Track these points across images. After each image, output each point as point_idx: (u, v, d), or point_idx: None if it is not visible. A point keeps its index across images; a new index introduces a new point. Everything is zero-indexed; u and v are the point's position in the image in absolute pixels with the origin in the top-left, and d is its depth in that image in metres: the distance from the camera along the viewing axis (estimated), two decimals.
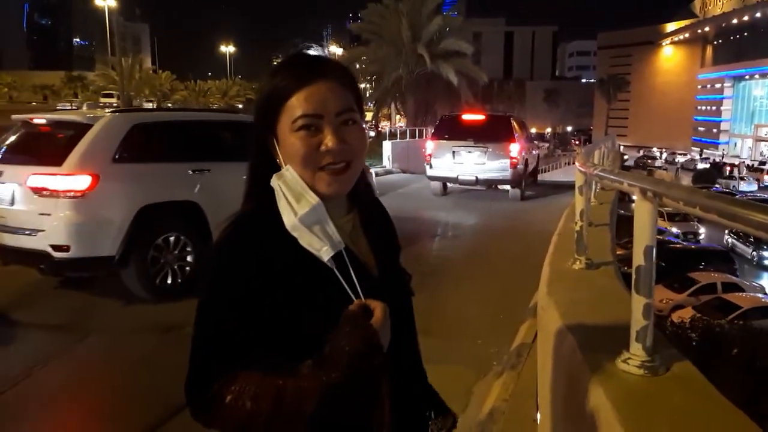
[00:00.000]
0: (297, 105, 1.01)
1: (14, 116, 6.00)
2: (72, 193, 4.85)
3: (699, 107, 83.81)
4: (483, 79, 34.38)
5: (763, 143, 70.79)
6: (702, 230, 28.31)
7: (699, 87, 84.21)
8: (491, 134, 13.19)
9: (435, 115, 35.37)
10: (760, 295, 17.34)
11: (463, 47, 31.58)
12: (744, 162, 61.29)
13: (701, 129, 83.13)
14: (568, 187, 18.35)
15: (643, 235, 1.60)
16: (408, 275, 1.24)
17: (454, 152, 13.19)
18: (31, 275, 6.00)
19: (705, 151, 77.30)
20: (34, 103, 52.41)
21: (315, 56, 1.11)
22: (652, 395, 1.48)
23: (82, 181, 4.87)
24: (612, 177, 1.95)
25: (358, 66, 33.00)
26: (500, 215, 11.68)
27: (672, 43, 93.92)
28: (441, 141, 13.50)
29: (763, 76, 70.40)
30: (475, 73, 33.23)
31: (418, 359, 1.22)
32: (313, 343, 0.92)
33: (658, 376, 1.58)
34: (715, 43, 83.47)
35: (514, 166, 12.88)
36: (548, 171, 32.07)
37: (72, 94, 66.71)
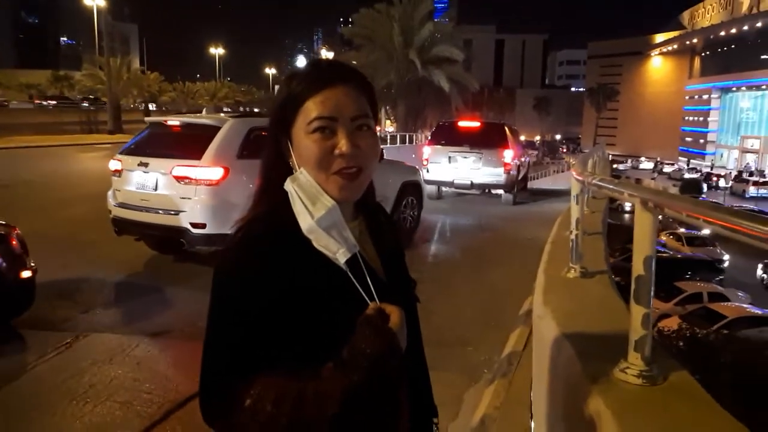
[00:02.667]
0: (313, 107, 1.01)
1: (147, 118, 7.30)
2: (209, 182, 5.92)
3: (686, 118, 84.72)
4: (474, 86, 34.60)
5: (749, 154, 71.65)
6: (726, 257, 25.01)
7: (687, 98, 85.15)
8: (486, 141, 13.62)
9: (425, 121, 35.56)
10: (745, 305, 17.51)
11: (454, 54, 31.75)
12: (730, 173, 62.06)
13: (688, 139, 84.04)
14: (557, 194, 18.51)
15: (643, 246, 1.60)
16: (413, 281, 1.24)
17: (450, 157, 13.59)
18: None
19: (692, 161, 78.15)
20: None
21: (333, 61, 1.12)
22: (651, 405, 1.49)
23: (217, 172, 5.94)
24: (611, 186, 1.95)
25: None
26: (493, 220, 11.75)
27: (661, 53, 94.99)
28: (437, 146, 13.89)
29: (749, 88, 71.31)
30: (466, 80, 33.41)
31: (424, 365, 1.22)
32: (326, 346, 0.92)
33: (656, 386, 1.58)
34: (703, 54, 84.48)
35: (507, 171, 13.31)
36: (537, 179, 32.24)
37: (58, 93, 66.10)
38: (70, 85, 66.04)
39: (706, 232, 26.36)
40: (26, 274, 4.66)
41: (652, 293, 1.62)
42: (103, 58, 41.67)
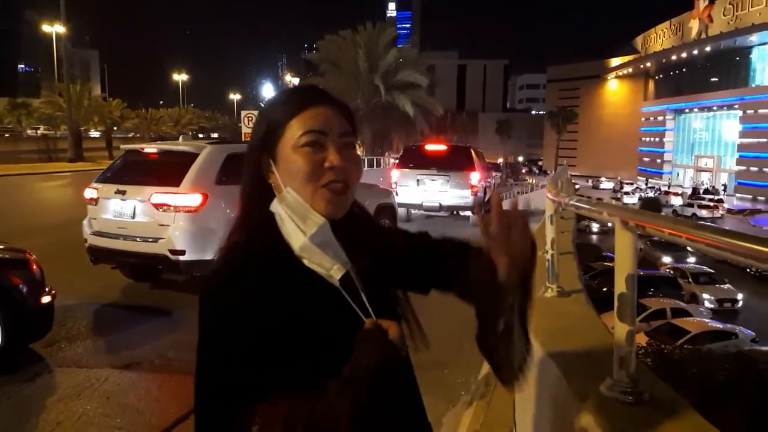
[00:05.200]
0: (302, 123, 1.02)
1: (123, 146, 7.26)
2: (188, 208, 5.93)
3: (643, 138, 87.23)
4: (438, 110, 35.07)
5: (703, 173, 74.15)
6: (740, 296, 23.59)
7: (643, 119, 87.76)
8: (453, 163, 13.86)
9: (392, 145, 35.81)
10: (707, 320, 17.97)
11: (418, 79, 32.20)
12: (686, 192, 64.08)
13: (646, 159, 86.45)
14: None
15: (624, 264, 1.63)
16: (398, 298, 1.21)
17: (418, 180, 13.78)
18: None
19: (651, 180, 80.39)
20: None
21: (313, 86, 1.14)
22: (641, 422, 1.50)
23: (196, 199, 5.96)
24: (589, 207, 1.99)
25: None
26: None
27: (617, 77, 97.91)
28: (406, 170, 14.08)
29: (701, 109, 74.05)
30: (430, 105, 33.87)
31: (415, 382, 1.21)
32: (323, 366, 0.90)
33: (643, 403, 1.60)
34: (657, 78, 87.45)
35: (475, 193, 13.53)
36: (503, 200, 32.67)
37: (15, 120, 64.44)
38: (29, 112, 64.44)
39: (690, 260, 25.49)
40: (46, 299, 4.66)
41: (636, 310, 1.65)
42: (62, 85, 40.81)
